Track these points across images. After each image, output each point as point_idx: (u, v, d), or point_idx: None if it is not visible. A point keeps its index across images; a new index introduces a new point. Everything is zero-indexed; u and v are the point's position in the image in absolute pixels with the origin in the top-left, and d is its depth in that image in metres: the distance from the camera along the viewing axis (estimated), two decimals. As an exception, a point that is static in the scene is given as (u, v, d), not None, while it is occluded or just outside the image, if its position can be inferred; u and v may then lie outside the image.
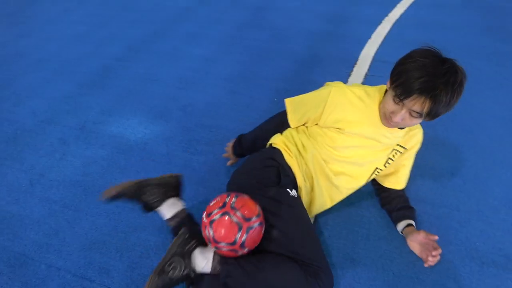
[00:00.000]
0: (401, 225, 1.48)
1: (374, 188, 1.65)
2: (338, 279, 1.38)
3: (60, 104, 2.28)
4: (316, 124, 1.44)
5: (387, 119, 1.28)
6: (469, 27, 2.99)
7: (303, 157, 1.43)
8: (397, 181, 1.55)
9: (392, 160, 1.46)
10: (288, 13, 3.30)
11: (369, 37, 2.84)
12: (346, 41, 2.81)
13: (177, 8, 3.48)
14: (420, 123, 1.38)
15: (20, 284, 1.40)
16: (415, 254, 1.44)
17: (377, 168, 1.47)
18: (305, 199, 1.44)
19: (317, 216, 1.57)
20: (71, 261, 1.46)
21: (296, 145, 1.45)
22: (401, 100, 1.18)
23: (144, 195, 1.40)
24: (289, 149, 1.44)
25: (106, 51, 2.82)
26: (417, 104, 1.16)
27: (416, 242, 1.42)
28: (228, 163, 1.79)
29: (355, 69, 2.47)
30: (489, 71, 2.45)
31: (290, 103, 1.49)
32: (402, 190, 1.58)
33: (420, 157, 1.81)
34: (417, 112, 1.18)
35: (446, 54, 1.17)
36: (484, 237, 1.50)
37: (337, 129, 1.38)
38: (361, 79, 2.36)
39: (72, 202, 1.69)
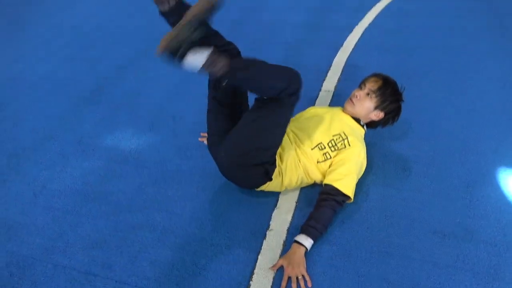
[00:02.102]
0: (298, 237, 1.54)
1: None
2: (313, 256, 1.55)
3: (57, 121, 2.44)
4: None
5: (349, 101, 1.81)
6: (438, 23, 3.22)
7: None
8: (333, 177, 1.64)
9: (335, 144, 1.69)
10: (264, 25, 3.50)
11: (341, 44, 3.05)
12: (320, 48, 3.02)
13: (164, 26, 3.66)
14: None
15: (30, 283, 1.54)
16: (383, 232, 1.62)
17: (321, 142, 1.70)
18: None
19: (300, 200, 1.75)
20: (76, 259, 1.61)
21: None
22: (362, 83, 1.81)
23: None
24: None
25: (96, 70, 3.00)
26: (372, 82, 1.77)
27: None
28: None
29: (329, 74, 2.67)
30: (448, 66, 2.67)
31: None
32: (334, 199, 1.60)
33: (387, 147, 2.02)
34: (371, 90, 1.75)
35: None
36: (445, 213, 1.68)
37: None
38: (334, 83, 2.56)
39: (74, 209, 1.84)
